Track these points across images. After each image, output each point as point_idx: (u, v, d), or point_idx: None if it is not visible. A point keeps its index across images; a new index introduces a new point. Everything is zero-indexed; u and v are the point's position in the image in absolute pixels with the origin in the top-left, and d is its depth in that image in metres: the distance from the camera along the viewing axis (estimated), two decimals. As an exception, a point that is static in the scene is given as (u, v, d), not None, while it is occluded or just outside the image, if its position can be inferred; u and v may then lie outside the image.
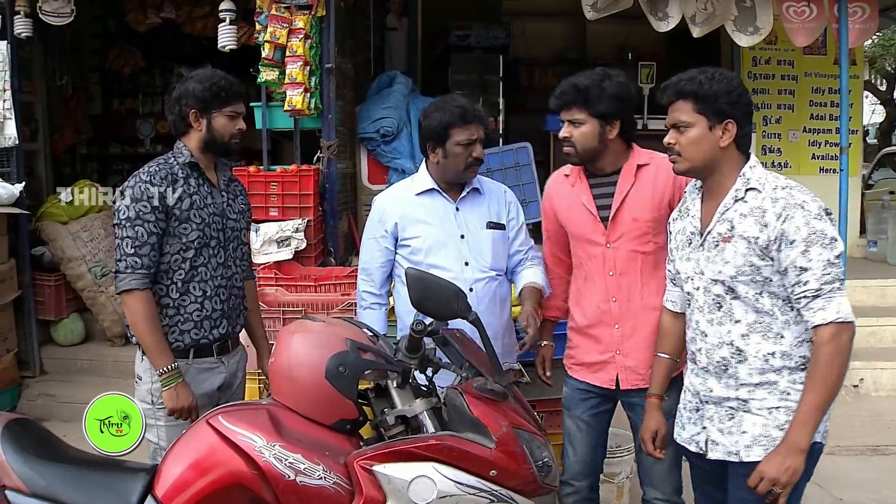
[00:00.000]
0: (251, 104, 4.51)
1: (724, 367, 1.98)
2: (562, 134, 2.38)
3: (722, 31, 5.11)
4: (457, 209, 2.59)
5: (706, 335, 2.02)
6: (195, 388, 2.32)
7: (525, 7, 8.08)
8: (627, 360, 2.40)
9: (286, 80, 4.40)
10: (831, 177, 6.36)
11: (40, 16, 4.80)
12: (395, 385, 1.93)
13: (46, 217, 5.07)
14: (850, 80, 5.33)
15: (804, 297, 1.85)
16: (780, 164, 7.27)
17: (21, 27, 4.76)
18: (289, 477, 1.76)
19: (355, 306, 2.84)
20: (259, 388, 3.09)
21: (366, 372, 1.90)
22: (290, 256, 4.31)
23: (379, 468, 1.77)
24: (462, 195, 2.61)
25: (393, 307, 2.75)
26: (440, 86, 7.07)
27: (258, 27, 4.51)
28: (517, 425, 1.87)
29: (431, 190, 2.60)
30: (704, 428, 2.04)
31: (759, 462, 1.89)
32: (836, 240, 1.85)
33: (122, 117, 7.73)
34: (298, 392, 1.88)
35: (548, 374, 2.60)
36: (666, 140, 2.03)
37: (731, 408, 1.98)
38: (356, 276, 2.77)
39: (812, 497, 2.21)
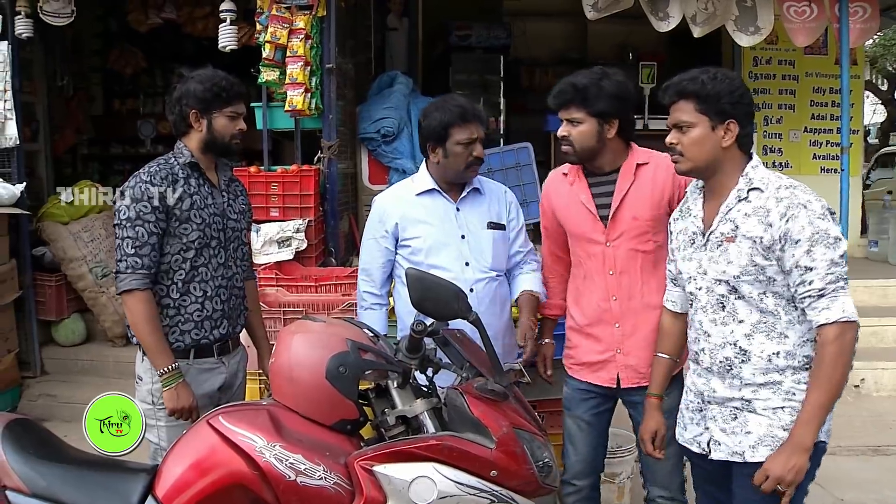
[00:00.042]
0: (252, 104, 4.52)
1: (727, 368, 1.98)
2: (560, 133, 2.38)
3: (723, 30, 5.11)
4: (457, 209, 2.59)
5: (709, 335, 2.01)
6: (196, 389, 2.32)
7: (526, 7, 8.08)
8: (629, 358, 2.40)
9: (287, 81, 4.39)
10: (832, 177, 6.38)
11: (41, 16, 4.80)
12: (395, 385, 1.93)
13: (47, 217, 5.07)
14: (851, 80, 5.34)
15: (808, 296, 1.85)
16: (780, 163, 7.27)
17: (22, 27, 4.77)
18: (289, 477, 1.76)
19: (356, 307, 2.83)
20: (260, 388, 3.08)
21: (366, 372, 1.90)
22: (291, 257, 4.31)
23: (379, 468, 1.77)
24: (462, 195, 2.60)
25: (393, 307, 2.74)
26: (441, 86, 7.07)
27: (259, 27, 4.51)
28: (518, 425, 1.86)
29: (432, 190, 2.59)
30: (707, 428, 2.04)
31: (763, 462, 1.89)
32: (839, 239, 1.85)
33: (123, 118, 7.74)
34: (299, 392, 1.88)
35: (549, 371, 2.61)
36: (668, 140, 2.03)
37: (735, 408, 1.98)
38: (357, 276, 2.76)
39: (813, 497, 2.20)
